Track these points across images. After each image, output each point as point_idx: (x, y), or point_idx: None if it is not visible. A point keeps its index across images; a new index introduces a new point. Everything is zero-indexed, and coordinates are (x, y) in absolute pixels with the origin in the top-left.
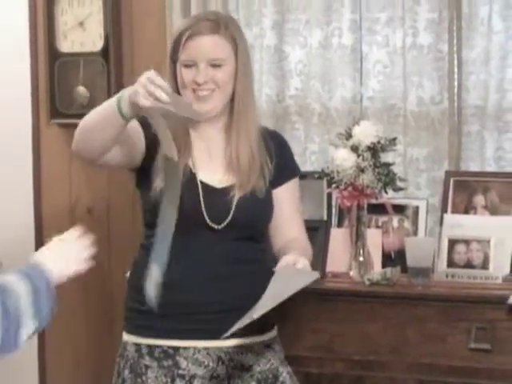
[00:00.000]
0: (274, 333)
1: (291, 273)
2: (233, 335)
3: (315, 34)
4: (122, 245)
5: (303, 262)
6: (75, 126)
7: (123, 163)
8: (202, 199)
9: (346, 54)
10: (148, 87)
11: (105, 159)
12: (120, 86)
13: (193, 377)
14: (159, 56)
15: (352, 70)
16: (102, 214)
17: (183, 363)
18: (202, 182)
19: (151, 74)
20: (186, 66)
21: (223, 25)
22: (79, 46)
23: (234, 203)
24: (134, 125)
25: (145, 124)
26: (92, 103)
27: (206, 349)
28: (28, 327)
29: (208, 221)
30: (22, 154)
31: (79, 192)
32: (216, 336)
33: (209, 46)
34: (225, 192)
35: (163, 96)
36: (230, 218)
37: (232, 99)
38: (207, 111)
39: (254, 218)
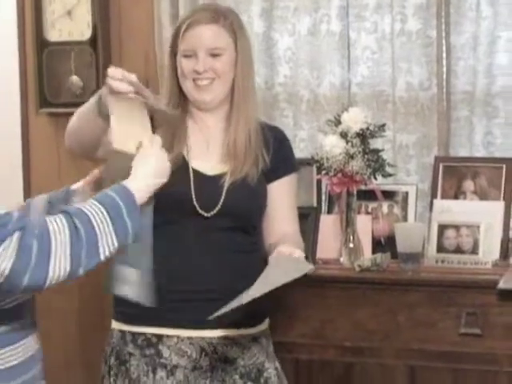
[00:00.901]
0: (263, 326)
1: (286, 261)
2: (218, 326)
3: (303, 21)
4: None
5: (299, 253)
6: (64, 114)
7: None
8: (192, 186)
9: (334, 40)
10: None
11: (99, 155)
12: None
13: (175, 367)
14: (147, 45)
15: (340, 56)
16: None
17: (166, 352)
18: (194, 170)
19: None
20: (186, 56)
21: (222, 15)
22: (67, 35)
23: (225, 190)
24: None
25: None
26: (84, 92)
27: (189, 338)
28: (107, 246)
29: (198, 208)
30: (11, 144)
31: (68, 181)
32: (200, 326)
33: (208, 35)
34: (216, 179)
35: (131, 77)
36: (220, 205)
37: (232, 89)
38: (207, 101)
39: (245, 205)
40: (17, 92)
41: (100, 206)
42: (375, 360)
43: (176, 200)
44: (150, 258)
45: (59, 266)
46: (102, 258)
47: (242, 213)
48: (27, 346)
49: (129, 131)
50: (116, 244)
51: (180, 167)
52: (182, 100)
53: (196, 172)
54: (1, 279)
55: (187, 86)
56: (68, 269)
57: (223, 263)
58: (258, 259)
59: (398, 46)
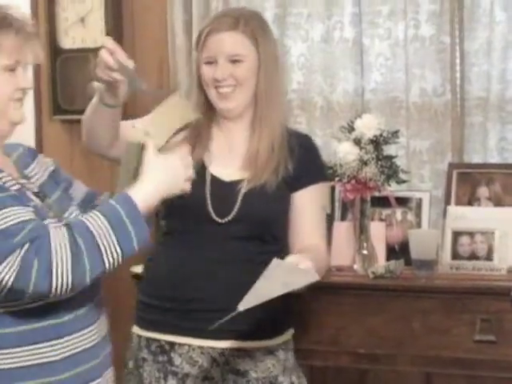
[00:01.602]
0: (281, 339)
1: (289, 269)
2: (230, 337)
3: (317, 28)
4: None
5: (306, 264)
6: (78, 121)
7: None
8: (208, 191)
9: (347, 47)
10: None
11: (113, 153)
12: None
13: (186, 375)
14: (161, 51)
15: (354, 63)
16: None
17: (177, 360)
18: (212, 176)
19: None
20: (207, 63)
21: (243, 21)
22: (80, 43)
23: (240, 197)
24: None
25: None
26: None
27: (200, 348)
28: (110, 256)
29: (212, 214)
30: None
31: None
32: (212, 336)
33: (227, 41)
34: (233, 185)
35: (120, 55)
36: (234, 211)
37: (255, 96)
38: (230, 109)
39: (260, 213)
40: (31, 99)
41: (100, 215)
42: (390, 367)
43: (191, 205)
44: None
45: (61, 279)
46: (107, 266)
47: (258, 220)
48: (93, 334)
49: (155, 127)
50: (120, 252)
51: (198, 172)
52: (208, 108)
53: (214, 178)
54: (4, 290)
55: (211, 95)
56: (70, 280)
57: (237, 273)
58: None
59: (411, 52)
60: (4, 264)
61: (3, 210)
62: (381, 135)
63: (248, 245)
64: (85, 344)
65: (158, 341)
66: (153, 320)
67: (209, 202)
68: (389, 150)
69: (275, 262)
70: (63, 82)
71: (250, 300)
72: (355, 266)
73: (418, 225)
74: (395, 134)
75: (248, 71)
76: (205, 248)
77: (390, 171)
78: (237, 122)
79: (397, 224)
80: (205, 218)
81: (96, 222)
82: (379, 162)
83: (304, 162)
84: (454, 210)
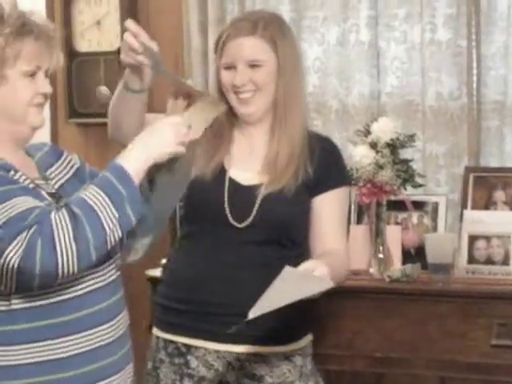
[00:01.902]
0: (299, 344)
1: (302, 276)
2: (246, 342)
3: (332, 31)
4: None
5: (321, 270)
6: (93, 125)
7: None
8: (226, 196)
9: (363, 50)
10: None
11: None
12: None
13: (202, 379)
14: (176, 53)
15: (369, 66)
16: None
17: (194, 363)
18: (230, 179)
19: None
20: (226, 68)
21: (262, 25)
22: (96, 46)
23: (258, 201)
24: None
25: None
26: None
27: (216, 352)
28: (109, 218)
29: (230, 218)
30: None
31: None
32: (227, 340)
33: (246, 47)
34: (251, 189)
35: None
36: (252, 216)
37: (275, 101)
38: (250, 114)
39: (278, 217)
40: (46, 102)
41: (93, 186)
42: (406, 371)
43: (209, 208)
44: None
45: (66, 255)
46: (108, 232)
47: (276, 225)
48: (111, 330)
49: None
50: (117, 215)
51: (218, 175)
52: (230, 112)
53: (232, 181)
54: (13, 276)
55: (231, 100)
56: (76, 254)
57: (255, 277)
58: None
59: (427, 55)
60: (11, 247)
61: (14, 199)
62: (397, 139)
63: (266, 249)
64: (102, 340)
65: (175, 343)
66: (170, 322)
67: (227, 206)
68: (405, 153)
69: (287, 269)
70: (79, 86)
71: (260, 307)
72: (371, 270)
73: (434, 229)
74: (411, 137)
75: (267, 76)
76: (222, 252)
77: (407, 175)
78: (257, 125)
79: (413, 228)
80: (222, 222)
81: (90, 192)
82: (395, 166)
83: (325, 166)
84: (470, 214)
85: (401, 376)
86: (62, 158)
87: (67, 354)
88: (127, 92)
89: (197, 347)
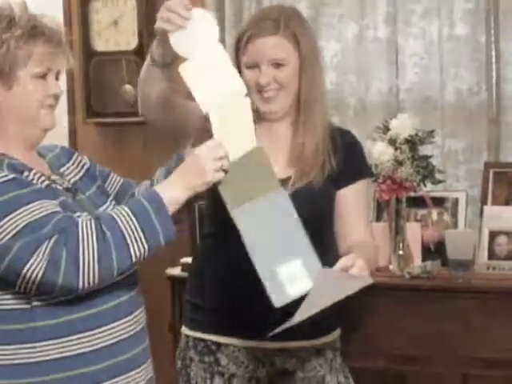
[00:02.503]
0: (328, 338)
1: (341, 276)
2: (275, 338)
3: (350, 28)
4: None
5: (359, 265)
6: (111, 124)
7: (180, 131)
8: None
9: (381, 46)
10: (162, 13)
11: (171, 120)
12: None
13: (232, 376)
14: None
15: (388, 62)
16: None
17: (224, 361)
18: None
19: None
20: (249, 67)
21: (284, 23)
22: (113, 45)
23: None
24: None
25: None
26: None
27: (246, 348)
28: (137, 251)
29: None
30: None
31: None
32: (257, 337)
33: (269, 46)
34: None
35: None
36: None
37: (298, 97)
38: (274, 112)
39: (308, 212)
40: (64, 102)
41: (128, 211)
42: (427, 368)
43: None
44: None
45: (88, 273)
46: (134, 259)
47: (305, 220)
48: (130, 325)
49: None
50: (146, 247)
51: None
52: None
53: None
54: (34, 285)
55: (254, 98)
56: (97, 272)
57: None
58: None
59: (446, 51)
60: (34, 257)
61: (30, 205)
62: (416, 135)
63: None
64: (121, 335)
65: (205, 341)
66: (199, 320)
67: None
68: (424, 150)
69: (325, 270)
70: (96, 85)
71: (305, 310)
72: (391, 267)
73: (454, 225)
74: (431, 133)
75: (291, 74)
76: None
77: (426, 171)
78: (279, 121)
79: (433, 224)
80: None
81: (124, 216)
82: (414, 162)
83: (348, 159)
84: (490, 209)
85: (422, 373)
86: (73, 158)
87: (87, 350)
88: (153, 65)
89: (226, 345)
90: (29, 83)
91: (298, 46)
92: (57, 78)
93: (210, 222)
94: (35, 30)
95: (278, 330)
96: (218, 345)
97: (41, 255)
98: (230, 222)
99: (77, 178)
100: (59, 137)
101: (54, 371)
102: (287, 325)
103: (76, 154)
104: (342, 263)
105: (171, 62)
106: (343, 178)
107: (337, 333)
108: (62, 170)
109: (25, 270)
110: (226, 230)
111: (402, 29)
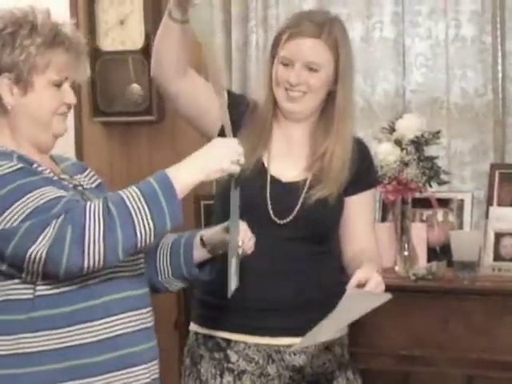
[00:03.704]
0: (337, 334)
1: (361, 295)
2: (285, 334)
3: (356, 28)
4: None
5: (376, 280)
6: (118, 124)
7: (192, 116)
8: (268, 191)
9: (387, 47)
10: None
11: (182, 86)
12: None
13: (242, 372)
14: (199, 52)
15: (394, 63)
16: None
17: (234, 357)
18: (271, 176)
19: None
20: (283, 63)
21: (327, 29)
22: (120, 45)
23: (301, 200)
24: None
25: (232, 100)
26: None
27: (256, 345)
28: (143, 229)
29: (272, 214)
30: (64, 152)
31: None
32: (267, 333)
33: (308, 48)
34: (293, 187)
35: None
36: (294, 213)
37: (327, 102)
38: (296, 112)
39: (319, 217)
40: None
41: (136, 190)
42: (431, 369)
43: (250, 204)
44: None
45: (93, 250)
46: (139, 238)
47: (316, 224)
48: (139, 318)
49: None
50: (152, 227)
51: (258, 171)
52: (274, 107)
53: (273, 178)
54: (40, 266)
55: (279, 94)
56: (103, 249)
57: (292, 272)
58: (328, 268)
59: (452, 52)
60: (41, 237)
61: (38, 190)
62: (422, 136)
63: (300, 246)
64: (125, 328)
65: (215, 338)
66: (209, 317)
67: (268, 202)
68: (430, 150)
69: (350, 291)
70: (103, 84)
71: (327, 330)
72: (396, 268)
73: (460, 226)
74: (436, 134)
75: (322, 81)
76: (260, 248)
77: (432, 172)
78: (299, 123)
79: (438, 225)
80: (263, 218)
81: (131, 195)
82: (420, 163)
83: (359, 168)
84: (496, 210)
85: (427, 374)
86: (87, 172)
87: (88, 341)
88: (170, 21)
89: (236, 341)
90: (44, 90)
91: (337, 54)
92: (71, 88)
93: (220, 219)
94: (56, 39)
95: (298, 345)
96: (228, 341)
97: (48, 234)
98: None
99: (87, 187)
100: (66, 135)
101: (56, 361)
102: (310, 342)
103: (89, 169)
104: (357, 278)
105: (188, 19)
106: (353, 187)
107: (345, 329)
108: (74, 177)
109: (31, 250)
110: None
111: (409, 29)
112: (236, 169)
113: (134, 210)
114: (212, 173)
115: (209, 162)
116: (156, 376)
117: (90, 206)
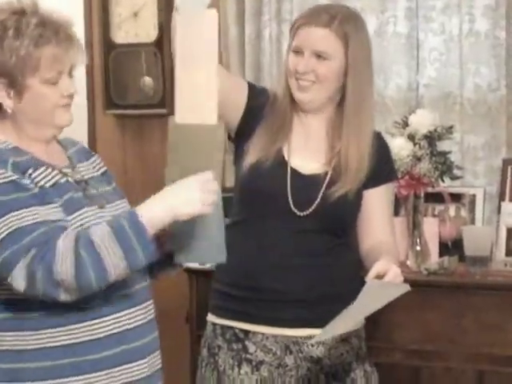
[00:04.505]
0: (356, 326)
1: (380, 285)
2: (302, 325)
3: (370, 22)
4: None
5: (394, 272)
6: (131, 116)
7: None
8: (288, 183)
9: (401, 41)
10: None
11: None
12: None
13: (260, 363)
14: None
15: (407, 58)
16: None
17: (252, 348)
18: (291, 168)
19: None
20: (294, 52)
21: (339, 20)
22: (133, 37)
23: (321, 192)
24: (241, 81)
25: (253, 91)
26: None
27: (274, 336)
28: (115, 267)
29: (292, 206)
30: None
31: (135, 182)
32: (285, 324)
33: (317, 36)
34: (313, 179)
35: None
36: (314, 205)
37: (343, 96)
38: (305, 102)
39: (339, 210)
40: (83, 94)
41: (107, 227)
42: (443, 364)
43: (271, 195)
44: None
45: (67, 287)
46: (114, 276)
47: (336, 216)
48: (142, 313)
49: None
50: (125, 263)
51: (278, 163)
52: (292, 99)
53: (293, 170)
54: (20, 295)
55: (291, 84)
56: (76, 288)
57: (311, 264)
58: (345, 261)
59: (466, 46)
60: (16, 269)
61: (22, 210)
62: (435, 131)
63: (318, 238)
64: (129, 324)
65: (232, 329)
66: (227, 308)
67: (289, 193)
68: (443, 145)
69: (370, 282)
70: (116, 77)
71: (346, 322)
72: (408, 262)
73: (472, 221)
74: (449, 129)
75: (330, 71)
76: (279, 239)
77: (444, 167)
78: (315, 114)
79: (450, 220)
80: (283, 209)
81: (102, 233)
82: (433, 158)
83: (379, 161)
84: (508, 206)
85: (438, 369)
86: (92, 159)
87: (94, 337)
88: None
89: (254, 332)
90: (41, 89)
91: (346, 46)
92: (70, 75)
93: (239, 210)
94: (43, 37)
95: (319, 337)
96: (246, 332)
97: (22, 269)
98: (259, 209)
99: (90, 176)
100: (79, 128)
101: (61, 357)
102: (331, 334)
103: (96, 156)
104: (376, 269)
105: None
106: (373, 181)
107: (362, 322)
108: (79, 165)
109: (9, 279)
110: (255, 218)
111: (422, 24)
112: (208, 209)
113: (103, 250)
114: (181, 216)
115: (180, 207)
116: (159, 367)
117: (61, 245)
